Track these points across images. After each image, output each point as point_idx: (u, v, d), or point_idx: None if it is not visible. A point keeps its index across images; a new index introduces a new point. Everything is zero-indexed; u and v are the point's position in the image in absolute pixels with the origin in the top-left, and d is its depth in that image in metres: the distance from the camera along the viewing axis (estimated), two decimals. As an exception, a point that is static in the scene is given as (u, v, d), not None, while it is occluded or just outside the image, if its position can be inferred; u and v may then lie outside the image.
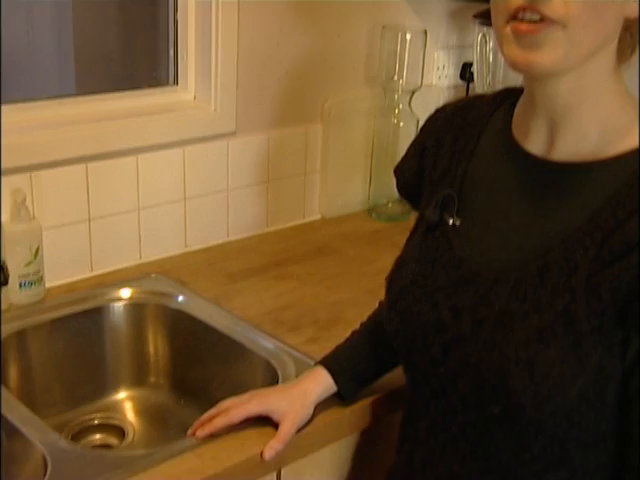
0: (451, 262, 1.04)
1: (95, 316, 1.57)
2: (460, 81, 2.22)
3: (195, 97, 1.80)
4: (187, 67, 1.78)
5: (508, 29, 0.89)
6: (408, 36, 1.96)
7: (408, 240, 1.16)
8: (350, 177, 2.07)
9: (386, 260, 1.79)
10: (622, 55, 0.97)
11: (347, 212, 2.07)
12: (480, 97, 1.16)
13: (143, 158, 1.68)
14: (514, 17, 0.88)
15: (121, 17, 1.82)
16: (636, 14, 0.93)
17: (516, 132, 1.04)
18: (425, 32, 1.98)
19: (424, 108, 2.08)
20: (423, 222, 1.11)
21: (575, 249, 0.93)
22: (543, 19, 0.86)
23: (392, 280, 1.14)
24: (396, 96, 2.01)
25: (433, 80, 2.20)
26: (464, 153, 1.09)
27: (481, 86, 2.07)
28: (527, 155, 1.01)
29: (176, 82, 1.80)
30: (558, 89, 0.94)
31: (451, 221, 1.06)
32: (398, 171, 1.24)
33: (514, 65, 0.91)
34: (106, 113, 1.67)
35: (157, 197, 1.73)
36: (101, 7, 1.73)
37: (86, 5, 1.72)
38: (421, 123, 2.02)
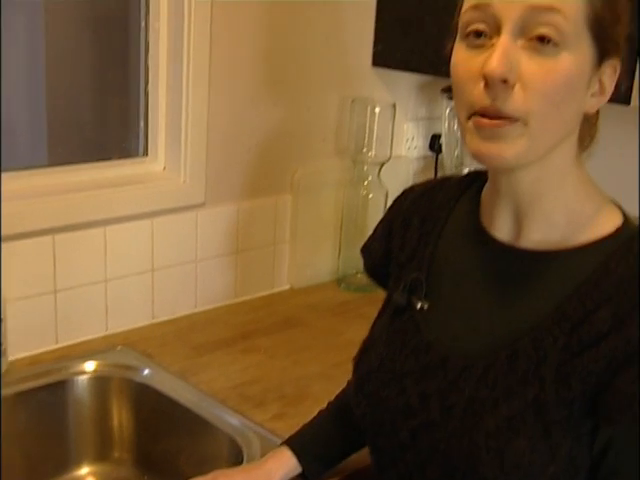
0: (419, 346, 1.04)
1: (58, 390, 1.54)
2: (429, 152, 2.25)
3: (165, 168, 1.81)
4: (157, 138, 1.79)
5: (471, 123, 0.91)
6: (377, 109, 1.98)
7: (375, 321, 1.16)
8: (319, 247, 2.08)
9: (354, 332, 1.78)
10: (582, 143, 0.99)
11: (316, 282, 2.08)
12: (447, 179, 1.17)
13: (111, 229, 1.68)
14: (476, 111, 0.90)
15: (92, 89, 1.83)
16: (594, 110, 0.95)
17: (483, 218, 1.04)
18: (394, 105, 2.01)
19: (394, 179, 2.11)
20: (391, 305, 1.11)
21: (544, 338, 0.93)
22: (505, 117, 0.88)
23: (359, 362, 1.13)
24: (365, 167, 2.03)
25: (402, 151, 2.23)
26: (431, 236, 1.09)
27: (449, 158, 2.10)
28: (494, 241, 1.02)
29: (146, 153, 1.81)
30: (522, 180, 0.95)
31: (419, 305, 1.06)
32: (365, 250, 1.24)
33: (477, 157, 0.92)
34: (76, 184, 1.67)
35: (125, 268, 1.72)
36: (73, 82, 1.74)
37: (58, 78, 1.73)
38: (390, 194, 2.07)
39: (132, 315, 1.76)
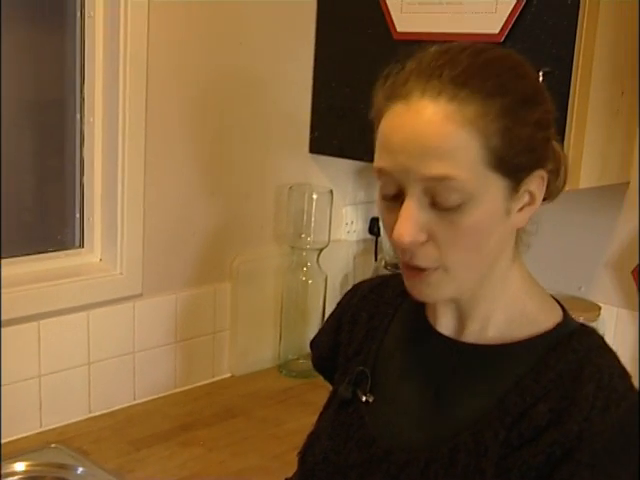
0: (364, 440, 1.03)
1: (-12, 493, 1.50)
2: (369, 235, 2.27)
3: (101, 260, 1.80)
4: (93, 230, 1.79)
5: (401, 264, 0.94)
6: (315, 195, 2.01)
7: (321, 414, 1.15)
8: (260, 334, 2.07)
9: (296, 421, 1.78)
10: (519, 240, 0.99)
11: (257, 369, 2.06)
12: (396, 276, 1.17)
13: (45, 323, 1.66)
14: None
15: (28, 180, 1.82)
16: (525, 222, 0.94)
17: (428, 314, 1.05)
18: (331, 192, 2.03)
19: (334, 263, 2.13)
20: (336, 398, 1.11)
21: (485, 432, 0.93)
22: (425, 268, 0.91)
23: (304, 456, 1.11)
24: (304, 253, 2.04)
25: (342, 235, 2.24)
26: (378, 331, 1.10)
27: (388, 241, 2.12)
28: (438, 336, 1.02)
29: (82, 245, 1.80)
30: None
31: (364, 398, 1.05)
32: (313, 344, 1.24)
33: (411, 295, 0.96)
34: (10, 278, 1.64)
35: (59, 362, 1.70)
36: (8, 172, 1.73)
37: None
38: (330, 279, 2.08)
39: (67, 410, 1.72)
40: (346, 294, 1.21)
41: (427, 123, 0.86)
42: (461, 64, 0.88)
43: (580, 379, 0.90)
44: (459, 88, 0.86)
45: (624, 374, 0.93)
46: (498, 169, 0.88)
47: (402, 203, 0.89)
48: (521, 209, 0.93)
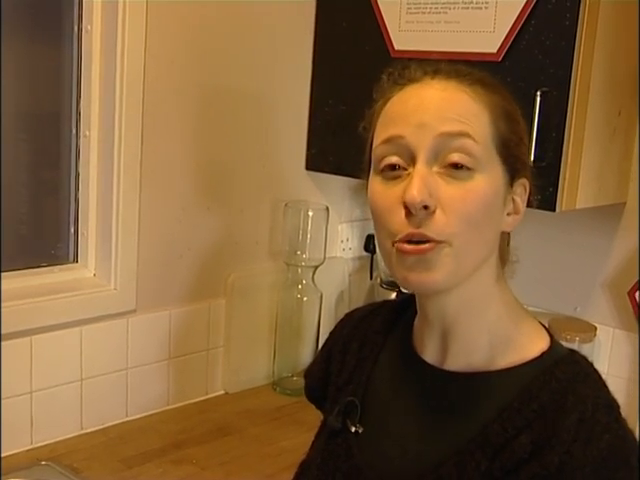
0: (351, 471, 1.02)
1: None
2: (364, 253, 2.27)
3: (95, 275, 1.79)
4: (87, 245, 1.78)
5: (395, 250, 0.90)
6: (310, 212, 2.00)
7: (313, 443, 1.14)
8: (254, 351, 2.05)
9: (289, 440, 1.77)
10: (502, 260, 0.99)
11: (251, 387, 2.05)
12: (386, 303, 1.16)
13: (37, 339, 1.64)
14: (400, 239, 0.89)
15: (22, 194, 1.81)
16: (511, 228, 0.96)
17: (415, 342, 1.04)
18: (327, 209, 2.03)
19: (329, 280, 2.12)
20: (326, 428, 1.09)
21: (467, 462, 0.91)
22: (429, 240, 0.88)
23: None
24: (299, 270, 2.03)
25: (337, 252, 2.24)
26: (368, 360, 1.08)
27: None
28: (424, 364, 1.01)
29: (76, 260, 1.79)
30: (449, 304, 0.95)
31: (353, 429, 1.04)
32: (307, 374, 1.22)
33: (407, 285, 0.92)
34: (3, 293, 1.63)
35: (52, 379, 1.68)
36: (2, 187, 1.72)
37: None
38: (325, 296, 2.07)
39: (59, 427, 1.71)
40: (338, 323, 1.19)
41: (442, 91, 0.92)
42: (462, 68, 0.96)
43: (563, 409, 0.88)
44: (466, 76, 0.93)
45: (610, 404, 0.91)
46: (501, 152, 0.92)
47: (400, 179, 0.89)
48: (509, 214, 0.95)
